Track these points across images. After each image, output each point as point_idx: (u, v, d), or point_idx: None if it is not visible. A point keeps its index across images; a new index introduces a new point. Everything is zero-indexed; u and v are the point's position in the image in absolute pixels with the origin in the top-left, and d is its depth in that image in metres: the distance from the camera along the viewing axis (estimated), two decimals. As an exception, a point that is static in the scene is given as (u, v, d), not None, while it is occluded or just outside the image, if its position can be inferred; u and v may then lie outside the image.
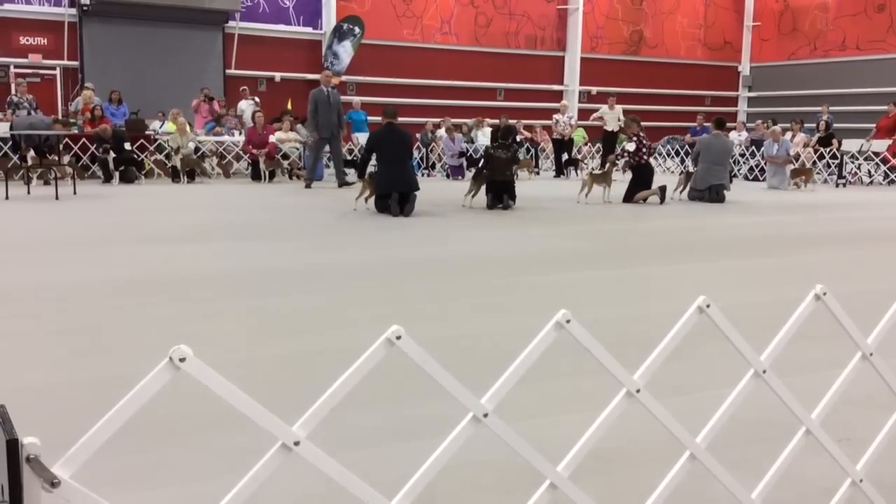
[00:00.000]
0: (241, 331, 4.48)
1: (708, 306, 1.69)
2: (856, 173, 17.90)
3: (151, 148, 16.01)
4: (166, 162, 15.72)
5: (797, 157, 17.04)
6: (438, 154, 19.07)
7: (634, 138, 12.61)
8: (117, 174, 14.50)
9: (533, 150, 20.52)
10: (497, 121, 19.06)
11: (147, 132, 16.56)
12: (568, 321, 1.51)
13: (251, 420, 1.25)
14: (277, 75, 21.74)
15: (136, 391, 1.16)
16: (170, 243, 7.69)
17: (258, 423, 1.26)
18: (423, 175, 18.17)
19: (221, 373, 1.22)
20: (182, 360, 1.17)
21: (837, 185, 16.82)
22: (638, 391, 1.63)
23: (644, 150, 12.48)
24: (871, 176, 17.79)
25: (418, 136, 19.33)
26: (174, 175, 15.18)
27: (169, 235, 8.22)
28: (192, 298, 5.30)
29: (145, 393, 1.17)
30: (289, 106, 19.84)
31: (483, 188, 11.35)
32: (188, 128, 16.15)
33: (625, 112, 19.14)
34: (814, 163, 17.40)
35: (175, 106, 16.85)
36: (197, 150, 16.21)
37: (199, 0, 20.09)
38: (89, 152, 15.31)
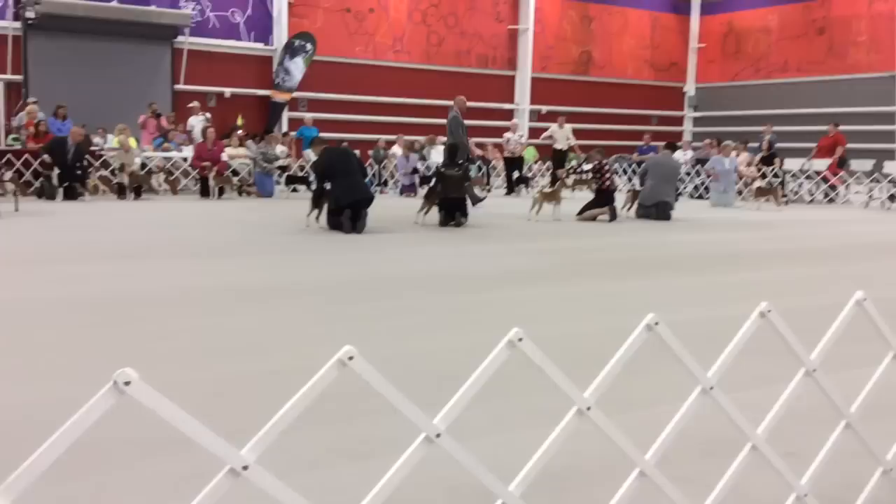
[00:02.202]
0: (190, 351, 4.40)
1: (656, 324, 1.71)
2: (797, 192, 18.37)
3: (97, 164, 15.70)
4: (111, 178, 15.42)
5: (740, 176, 17.41)
6: (391, 171, 19.07)
7: (595, 163, 12.94)
8: (61, 191, 14.16)
9: (484, 168, 20.63)
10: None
11: (92, 148, 16.24)
12: (520, 339, 1.52)
13: (199, 444, 1.23)
14: (227, 91, 21.54)
15: (78, 416, 1.13)
16: (115, 261, 7.53)
17: (205, 447, 1.23)
18: (376, 192, 18.13)
19: (168, 395, 1.19)
20: (127, 383, 1.15)
21: (779, 204, 17.21)
22: (589, 409, 1.64)
23: (608, 174, 12.79)
24: (812, 194, 18.28)
25: (370, 152, 19.31)
26: (120, 191, 14.90)
27: (114, 253, 8.06)
28: (139, 318, 5.19)
29: (88, 418, 1.14)
30: (239, 121, 19.67)
31: (436, 206, 11.39)
32: (134, 143, 15.88)
33: (574, 131, 19.41)
34: (781, 183, 17.71)
35: (122, 121, 16.56)
36: (144, 166, 15.95)
37: (148, 15, 19.84)
38: (32, 168, 14.96)
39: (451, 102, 14.82)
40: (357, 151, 12.92)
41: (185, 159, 16.77)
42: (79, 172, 14.50)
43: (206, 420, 1.23)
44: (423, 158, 19.16)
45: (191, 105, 19.05)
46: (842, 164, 18.51)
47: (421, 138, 20.35)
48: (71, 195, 14.21)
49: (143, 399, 1.17)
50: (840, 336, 2.05)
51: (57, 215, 11.71)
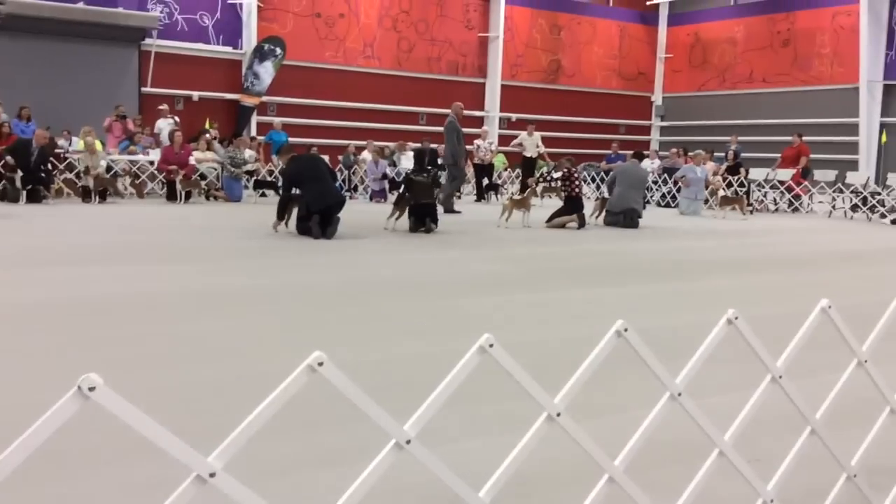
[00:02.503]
0: (156, 356, 4.34)
1: (626, 330, 1.72)
2: (762, 201, 18.64)
3: (61, 166, 15.47)
4: (76, 181, 15.19)
5: (707, 185, 17.62)
6: (361, 176, 19.04)
7: (564, 170, 13.03)
8: (24, 193, 13.92)
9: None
10: (419, 144, 19.17)
11: (57, 150, 16.00)
12: (491, 345, 1.52)
13: (165, 451, 1.21)
14: (195, 94, 21.37)
15: (41, 422, 1.11)
16: (80, 265, 7.42)
17: (172, 454, 1.21)
18: (346, 197, 18.06)
19: (134, 401, 1.17)
20: (91, 389, 1.13)
21: (745, 213, 17.45)
22: (559, 415, 1.64)
23: (576, 182, 12.88)
24: (776, 203, 18.56)
25: (340, 157, 19.25)
26: (85, 195, 14.69)
27: (79, 257, 7.94)
28: (104, 323, 5.11)
29: (51, 424, 1.11)
30: (207, 125, 19.51)
31: (406, 211, 11.38)
32: (100, 146, 15.66)
33: (543, 139, 19.51)
34: (747, 192, 17.98)
35: (87, 124, 16.34)
36: (109, 168, 15.74)
37: (115, 17, 19.63)
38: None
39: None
40: (326, 157, 12.89)
41: (151, 163, 16.57)
42: (43, 175, 14.27)
43: (172, 426, 1.21)
44: (393, 164, 19.15)
45: (161, 107, 18.86)
46: (805, 174, 18.82)
47: (391, 144, 20.34)
48: (34, 198, 13.97)
49: (107, 405, 1.15)
50: (805, 343, 2.07)
51: (20, 218, 11.50)
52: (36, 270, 7.04)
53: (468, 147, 20.64)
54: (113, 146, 17.16)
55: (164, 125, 17.94)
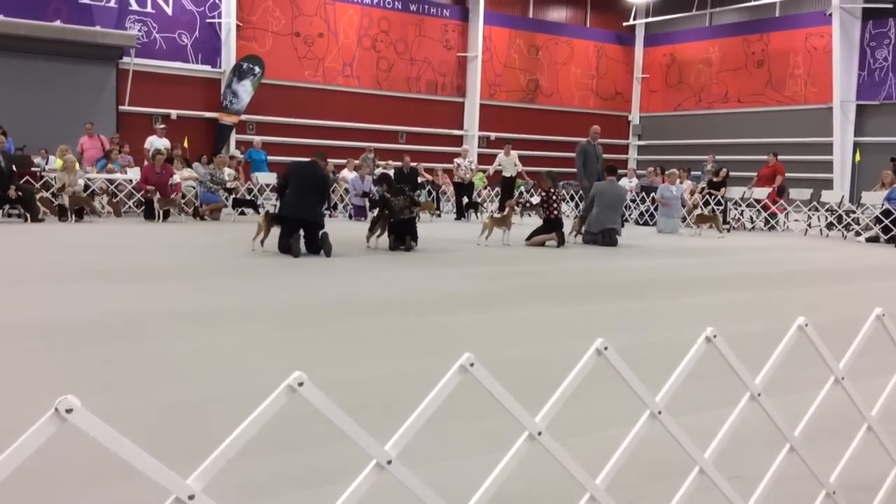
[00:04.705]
0: (133, 377, 4.29)
1: (605, 348, 1.73)
2: (739, 219, 18.83)
3: (38, 185, 15.32)
4: (53, 199, 15.04)
5: (684, 203, 17.77)
6: (340, 195, 19.02)
7: (543, 193, 13.00)
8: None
9: (434, 193, 20.73)
10: (399, 163, 19.20)
11: (33, 168, 15.86)
12: (472, 364, 1.52)
13: (143, 473, 1.20)
14: (174, 112, 21.31)
15: (18, 444, 1.09)
16: (56, 285, 7.34)
17: (150, 476, 1.20)
18: (325, 215, 18.00)
19: (112, 422, 1.16)
20: (69, 410, 1.11)
21: (721, 231, 17.62)
22: (539, 434, 1.64)
23: (555, 204, 12.86)
24: (753, 222, 18.74)
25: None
26: (61, 213, 14.55)
27: (55, 277, 7.85)
28: (80, 343, 5.05)
29: (29, 446, 1.10)
30: (185, 144, 19.43)
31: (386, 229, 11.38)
32: (77, 165, 15.54)
33: (521, 158, 19.63)
34: (724, 210, 18.15)
35: (64, 142, 16.22)
36: (87, 187, 15.61)
37: (93, 35, 19.58)
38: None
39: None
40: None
41: (130, 181, 16.44)
42: (19, 194, 14.13)
43: (151, 448, 1.20)
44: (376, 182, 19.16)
45: (161, 126, 18.65)
46: (781, 192, 19.03)
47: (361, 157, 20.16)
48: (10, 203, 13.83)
49: (85, 427, 1.13)
50: (783, 360, 2.09)
51: (-6, 237, 11.37)
52: (11, 290, 6.95)
53: (448, 166, 20.70)
54: (89, 164, 17.01)
55: (158, 143, 17.49)
